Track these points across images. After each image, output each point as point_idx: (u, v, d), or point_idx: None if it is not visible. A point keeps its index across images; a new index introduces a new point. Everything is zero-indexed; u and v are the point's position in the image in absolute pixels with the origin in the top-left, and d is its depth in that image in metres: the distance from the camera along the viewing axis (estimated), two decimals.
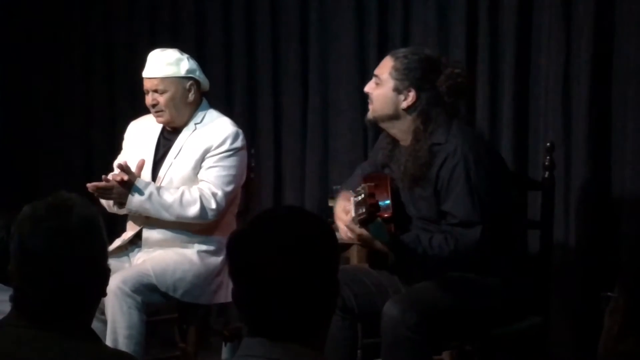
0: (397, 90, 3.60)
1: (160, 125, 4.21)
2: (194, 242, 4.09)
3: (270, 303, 1.95)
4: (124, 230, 4.23)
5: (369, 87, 3.69)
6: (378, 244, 3.51)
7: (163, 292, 3.99)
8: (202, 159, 4.09)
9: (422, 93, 3.58)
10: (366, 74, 4.76)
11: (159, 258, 4.02)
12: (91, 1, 5.63)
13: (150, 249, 4.10)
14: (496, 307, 3.59)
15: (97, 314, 3.70)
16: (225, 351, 4.25)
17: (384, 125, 3.69)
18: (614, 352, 2.03)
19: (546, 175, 3.87)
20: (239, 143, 4.12)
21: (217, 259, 4.05)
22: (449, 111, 3.60)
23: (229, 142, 4.09)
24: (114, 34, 5.55)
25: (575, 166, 4.25)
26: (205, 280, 4.05)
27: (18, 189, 5.47)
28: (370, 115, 3.69)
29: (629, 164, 4.13)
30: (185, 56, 4.17)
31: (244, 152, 4.16)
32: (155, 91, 4.11)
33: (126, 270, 3.97)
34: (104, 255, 2.35)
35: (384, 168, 3.75)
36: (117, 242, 4.14)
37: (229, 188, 4.07)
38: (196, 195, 4.02)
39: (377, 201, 3.40)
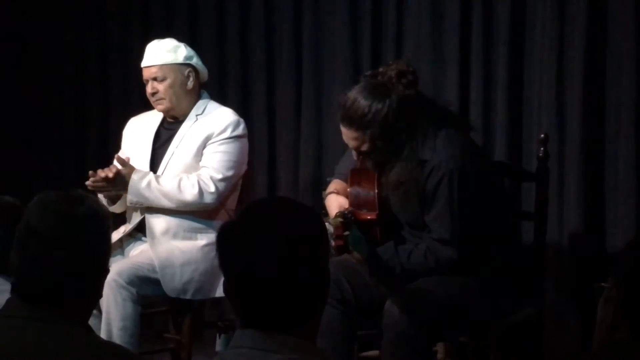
0: (393, 137, 3.49)
1: (160, 119, 4.22)
2: (197, 232, 4.09)
3: (261, 294, 1.95)
4: (123, 222, 4.23)
5: (360, 157, 3.57)
6: (356, 255, 3.52)
7: (166, 292, 4.00)
8: (204, 146, 4.11)
9: (407, 112, 3.49)
10: (360, 67, 4.76)
11: (164, 261, 4.01)
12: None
13: (152, 240, 4.08)
14: (494, 301, 3.60)
15: (95, 311, 3.74)
16: (219, 343, 4.25)
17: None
18: (608, 342, 2.03)
19: (540, 166, 3.87)
20: (240, 131, 4.14)
21: None
22: (429, 112, 3.56)
23: (230, 129, 4.11)
24: (107, 30, 5.54)
25: (569, 157, 4.25)
26: (212, 275, 4.04)
27: (9, 188, 5.44)
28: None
29: (622, 155, 4.14)
30: (182, 44, 4.18)
31: (245, 141, 4.18)
32: (155, 79, 4.13)
33: (121, 262, 3.98)
34: (106, 253, 2.38)
35: None
36: (116, 235, 4.13)
37: (230, 173, 4.09)
38: (194, 179, 4.03)
39: (343, 242, 3.40)
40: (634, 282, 2.04)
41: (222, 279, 3.97)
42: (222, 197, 4.08)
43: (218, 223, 4.09)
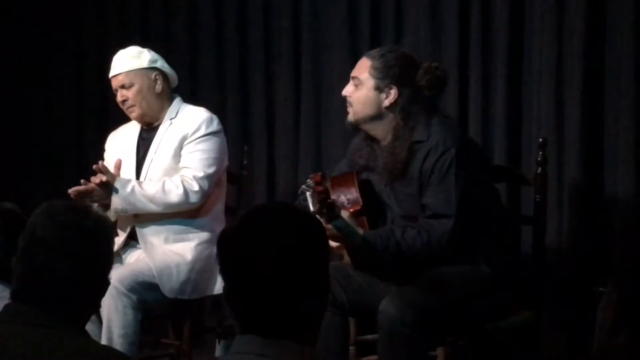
0: (379, 89, 3.60)
1: (138, 129, 4.25)
2: (187, 233, 4.10)
3: (261, 300, 1.96)
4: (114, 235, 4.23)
5: (347, 91, 3.68)
6: (349, 242, 3.51)
7: (165, 295, 4.01)
8: (181, 147, 4.12)
9: (403, 89, 3.59)
10: None
11: (159, 263, 4.02)
12: (83, 1, 5.63)
13: (145, 245, 4.09)
14: (490, 302, 3.60)
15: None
16: (219, 348, 4.25)
17: (365, 126, 3.67)
18: (607, 347, 2.04)
19: (539, 171, 3.87)
20: (214, 127, 4.15)
21: (214, 248, 4.06)
22: (429, 106, 3.61)
23: (204, 126, 4.12)
24: (107, 34, 5.55)
25: (568, 162, 4.25)
26: (208, 272, 4.06)
27: (9, 192, 5.45)
28: (351, 118, 3.67)
29: (621, 160, 4.13)
30: (145, 49, 4.22)
31: (222, 135, 4.18)
32: (123, 87, 4.17)
33: (122, 269, 3.98)
34: (108, 265, 2.39)
35: (365, 170, 3.74)
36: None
37: (211, 170, 4.09)
38: (177, 181, 4.04)
39: (325, 189, 3.37)
40: (633, 287, 2.05)
41: (218, 276, 4.03)
42: (206, 195, 4.09)
43: (206, 221, 4.13)
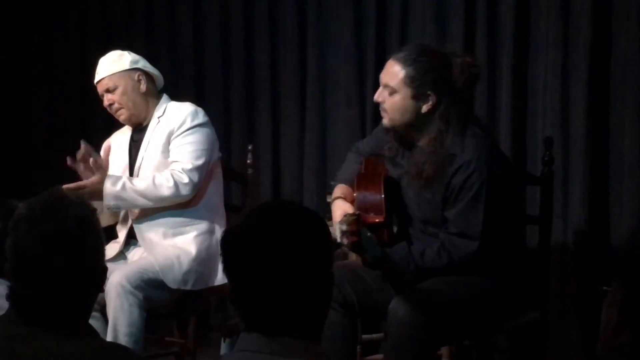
0: (416, 98, 3.51)
1: (129, 133, 4.26)
2: (185, 226, 4.11)
3: (265, 298, 1.96)
4: (113, 237, 4.24)
5: (380, 96, 3.57)
6: (369, 257, 3.51)
7: (169, 288, 4.01)
8: (168, 142, 4.14)
9: (442, 94, 3.50)
10: (363, 69, 4.78)
11: (160, 257, 4.03)
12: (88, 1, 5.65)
13: (145, 242, 4.11)
14: (499, 304, 3.59)
15: (97, 313, 3.75)
16: (224, 347, 4.26)
17: (404, 131, 3.59)
18: (612, 346, 2.03)
19: (545, 170, 3.87)
20: (200, 119, 4.16)
21: (213, 239, 4.09)
22: (463, 111, 3.54)
23: (189, 120, 4.14)
24: (112, 30, 5.56)
25: (574, 161, 4.25)
26: (209, 263, 4.08)
27: (11, 186, 5.46)
28: (387, 124, 3.58)
29: (627, 158, 4.14)
30: (125, 51, 4.25)
31: (209, 127, 4.19)
32: (108, 91, 4.19)
33: (127, 267, 3.99)
34: (101, 254, 2.34)
35: (389, 162, 3.71)
36: (112, 251, 4.15)
37: (200, 162, 4.10)
38: (167, 174, 4.07)
39: (358, 238, 3.37)
40: (638, 285, 2.04)
41: (219, 267, 4.03)
42: (197, 187, 4.11)
43: (202, 213, 4.14)
